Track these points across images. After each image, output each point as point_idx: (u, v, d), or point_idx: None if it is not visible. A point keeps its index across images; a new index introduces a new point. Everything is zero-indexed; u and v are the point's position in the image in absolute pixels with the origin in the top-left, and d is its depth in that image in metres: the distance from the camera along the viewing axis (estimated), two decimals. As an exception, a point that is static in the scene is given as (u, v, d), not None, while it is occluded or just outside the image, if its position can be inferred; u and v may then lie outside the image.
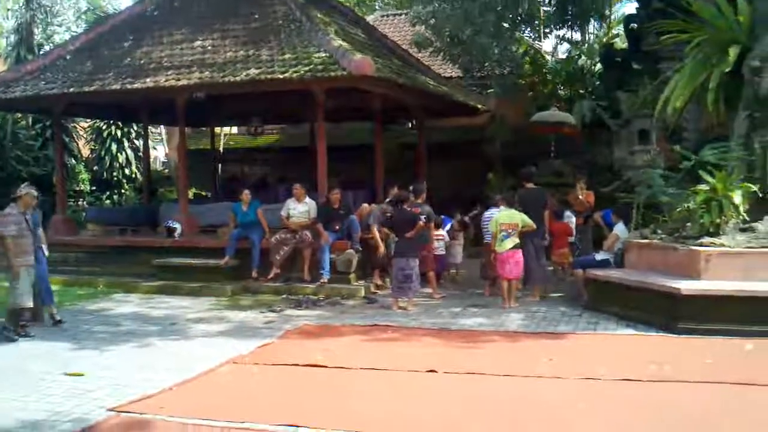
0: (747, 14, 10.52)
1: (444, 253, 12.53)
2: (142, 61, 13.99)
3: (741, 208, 9.54)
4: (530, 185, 11.83)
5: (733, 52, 10.18)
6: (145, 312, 10.95)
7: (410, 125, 19.69)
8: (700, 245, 9.26)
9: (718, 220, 9.54)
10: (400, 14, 24.97)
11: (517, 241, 10.77)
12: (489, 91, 18.60)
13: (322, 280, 12.03)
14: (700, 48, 10.81)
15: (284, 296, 11.77)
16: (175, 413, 6.10)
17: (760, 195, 9.83)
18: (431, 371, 7.24)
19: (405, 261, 10.77)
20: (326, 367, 7.50)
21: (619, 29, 20.69)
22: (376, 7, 27.58)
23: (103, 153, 22.54)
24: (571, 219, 12.79)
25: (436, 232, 12.27)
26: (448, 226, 12.92)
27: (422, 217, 11.38)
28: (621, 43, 20.17)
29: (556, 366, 7.37)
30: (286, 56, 12.77)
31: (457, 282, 13.08)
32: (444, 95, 15.69)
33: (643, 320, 9.20)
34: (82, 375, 7.30)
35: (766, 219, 9.81)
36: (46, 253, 10.00)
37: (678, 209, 10.29)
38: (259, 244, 12.66)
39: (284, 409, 6.14)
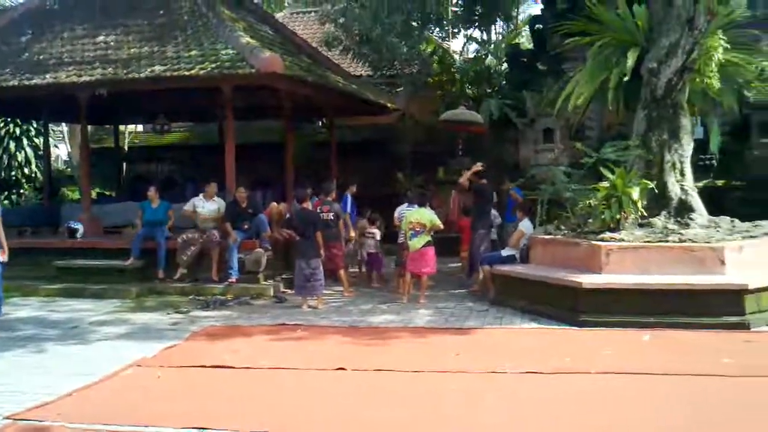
0: (645, 18, 10.90)
1: (376, 251, 12.51)
2: (41, 57, 13.52)
3: (639, 204, 9.88)
4: (483, 181, 12.16)
5: (632, 54, 10.53)
6: (44, 316, 10.57)
7: (321, 124, 19.64)
8: (601, 240, 9.55)
9: (618, 216, 9.86)
10: (310, 12, 24.87)
11: (428, 239, 10.93)
12: (398, 89, 18.72)
13: (230, 280, 11.87)
14: (601, 49, 11.13)
15: (191, 297, 11.55)
16: (76, 419, 5.90)
17: (656, 191, 10.20)
18: (340, 369, 7.23)
19: (305, 262, 10.68)
20: (233, 367, 7.40)
21: (526, 30, 21.13)
22: (286, 5, 27.36)
23: (0, 152, 21.66)
24: (497, 219, 12.87)
25: (368, 230, 12.34)
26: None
27: (331, 215, 11.42)
28: (527, 44, 20.60)
29: (463, 361, 7.46)
30: (193, 53, 12.56)
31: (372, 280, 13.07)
32: (354, 94, 15.69)
33: (547, 314, 9.42)
34: (-25, 383, 6.99)
35: (662, 214, 10.22)
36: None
37: (580, 205, 10.60)
38: (165, 244, 12.40)
39: (190, 412, 6.02)
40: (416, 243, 10.90)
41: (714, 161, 14.48)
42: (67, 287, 12.29)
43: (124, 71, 12.49)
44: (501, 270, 10.69)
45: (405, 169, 17.92)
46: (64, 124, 24.48)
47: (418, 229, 10.91)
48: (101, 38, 13.66)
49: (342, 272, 11.74)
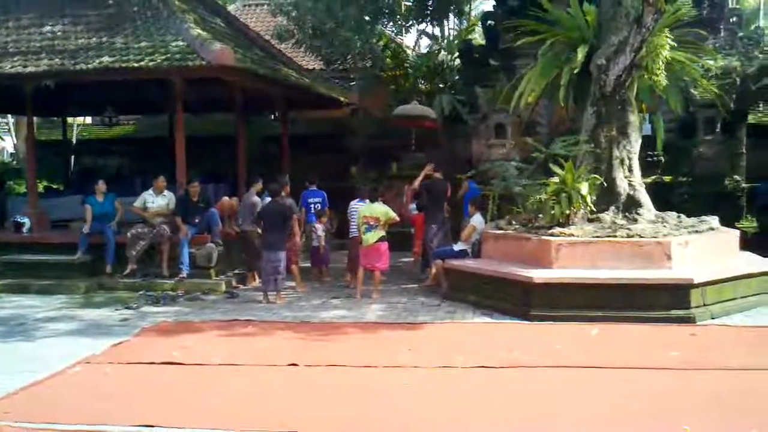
0: (594, 15, 11.04)
1: (319, 245, 12.42)
2: (-16, 46, 13.18)
3: (588, 199, 10.02)
4: (438, 175, 12.26)
5: (581, 51, 10.66)
6: (-11, 312, 10.37)
7: (273, 117, 19.50)
8: (551, 235, 9.66)
9: (567, 211, 9.99)
10: (263, 4, 24.61)
11: (382, 233, 10.94)
12: (351, 84, 18.66)
13: (181, 275, 11.74)
14: (551, 47, 11.25)
15: (141, 292, 11.39)
16: (22, 418, 5.80)
17: (605, 187, 10.36)
18: (292, 365, 7.22)
19: (274, 253, 10.70)
20: (184, 364, 7.34)
21: (479, 26, 21.20)
22: (238, -3, 27.06)
23: (-57, 143, 21.14)
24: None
25: (313, 224, 12.31)
26: None
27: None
28: (480, 40, 20.68)
29: (415, 356, 7.51)
30: (142, 44, 12.38)
31: (323, 274, 13.03)
32: (306, 87, 15.62)
33: (498, 308, 9.52)
34: None
35: (611, 210, 10.38)
36: None
37: (531, 200, 10.70)
38: (114, 239, 12.20)
39: (139, 409, 5.97)
40: (369, 238, 10.91)
41: (661, 157, 14.75)
42: (13, 283, 12.04)
43: (72, 62, 12.25)
44: (453, 265, 10.76)
45: (358, 163, 17.90)
46: (9, 115, 23.95)
47: (372, 223, 10.91)
48: (48, 28, 13.36)
49: (295, 267, 11.69)
